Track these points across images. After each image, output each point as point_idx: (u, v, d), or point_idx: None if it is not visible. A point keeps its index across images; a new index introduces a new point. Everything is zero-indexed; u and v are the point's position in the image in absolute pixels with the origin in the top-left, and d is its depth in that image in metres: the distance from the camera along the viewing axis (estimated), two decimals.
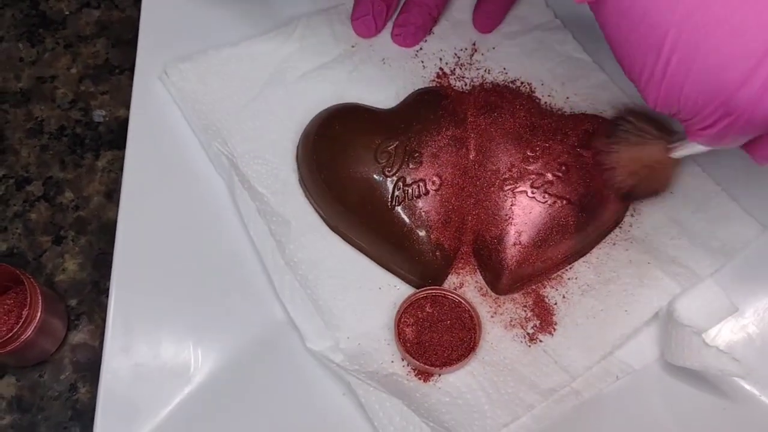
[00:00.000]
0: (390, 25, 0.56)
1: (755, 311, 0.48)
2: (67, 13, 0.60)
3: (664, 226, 0.50)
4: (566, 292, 0.48)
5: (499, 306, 0.48)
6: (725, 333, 0.47)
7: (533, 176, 0.47)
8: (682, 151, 0.44)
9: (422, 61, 0.55)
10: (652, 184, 0.48)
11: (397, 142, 0.48)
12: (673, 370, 0.46)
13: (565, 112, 0.53)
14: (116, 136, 0.56)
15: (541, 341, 0.47)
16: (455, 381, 0.46)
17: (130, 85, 0.53)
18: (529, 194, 0.47)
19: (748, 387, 0.46)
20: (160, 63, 0.53)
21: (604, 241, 0.50)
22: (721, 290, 0.48)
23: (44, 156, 0.55)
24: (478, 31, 0.56)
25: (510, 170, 0.48)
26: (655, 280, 0.47)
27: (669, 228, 0.49)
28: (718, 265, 0.48)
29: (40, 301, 0.47)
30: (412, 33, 0.54)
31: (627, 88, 0.54)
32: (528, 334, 0.47)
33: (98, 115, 0.57)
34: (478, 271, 0.49)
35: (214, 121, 0.51)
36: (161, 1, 0.56)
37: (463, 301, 0.47)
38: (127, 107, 0.53)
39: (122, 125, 0.55)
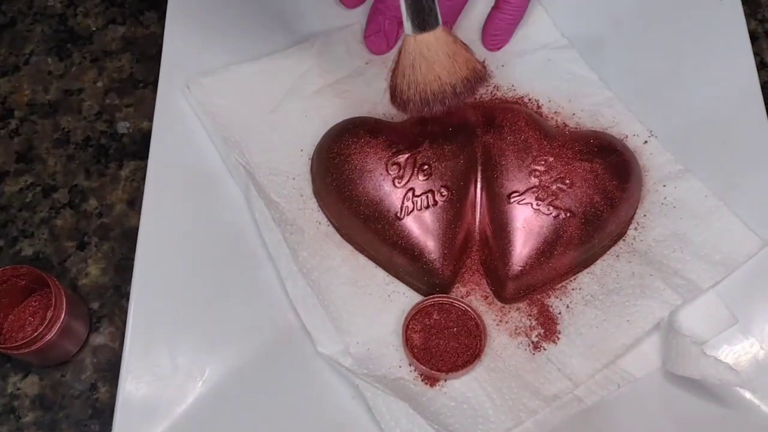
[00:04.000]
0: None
1: (756, 323, 0.49)
2: (94, 29, 0.63)
3: (666, 240, 0.51)
4: (570, 302, 0.50)
5: (505, 314, 0.49)
6: (725, 344, 0.48)
7: (538, 189, 0.49)
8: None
9: None
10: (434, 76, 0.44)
11: (407, 154, 0.50)
12: (673, 379, 0.47)
13: (571, 128, 0.54)
14: (139, 147, 0.58)
15: (545, 349, 0.48)
16: (460, 386, 0.47)
17: (154, 99, 0.55)
18: (534, 206, 0.48)
19: (747, 396, 0.46)
20: (183, 77, 0.55)
21: (607, 253, 0.51)
22: (722, 302, 0.49)
23: (70, 165, 0.57)
24: (487, 50, 0.58)
25: (516, 183, 0.49)
26: (657, 292, 0.49)
27: (671, 241, 0.51)
28: (719, 277, 0.49)
29: (64, 303, 0.49)
30: None
31: (632, 105, 0.55)
32: (532, 342, 0.49)
33: (122, 126, 0.59)
34: (484, 280, 0.50)
35: (233, 133, 0.53)
36: (184, 19, 0.58)
37: (469, 309, 0.48)
38: (150, 119, 0.55)
39: (145, 137, 0.57)
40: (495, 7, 0.56)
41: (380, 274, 0.51)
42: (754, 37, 0.59)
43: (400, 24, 0.56)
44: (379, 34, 0.56)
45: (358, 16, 0.59)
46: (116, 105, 0.60)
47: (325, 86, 0.56)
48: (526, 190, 0.49)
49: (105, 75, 0.61)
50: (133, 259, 0.51)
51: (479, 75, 0.46)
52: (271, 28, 0.58)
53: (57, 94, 0.60)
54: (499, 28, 0.56)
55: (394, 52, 0.57)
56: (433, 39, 0.43)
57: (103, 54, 0.61)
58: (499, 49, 0.57)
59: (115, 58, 0.61)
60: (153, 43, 0.61)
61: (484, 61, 0.46)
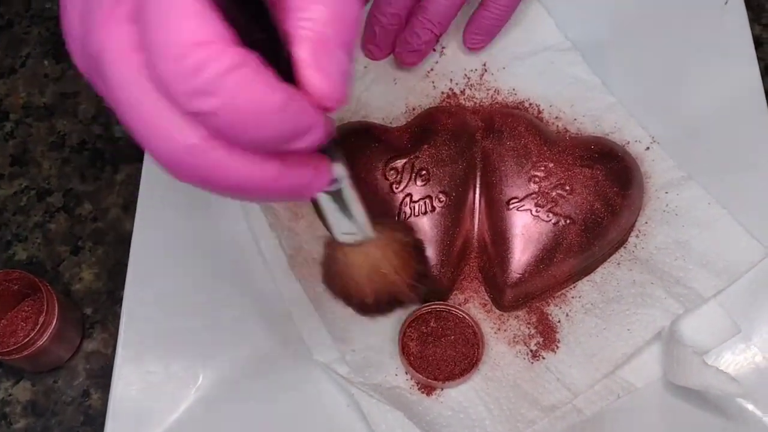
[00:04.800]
0: None
1: (758, 333, 0.48)
2: None
3: (668, 248, 0.50)
4: (570, 311, 0.49)
5: (503, 323, 0.49)
6: (728, 354, 0.48)
7: (538, 195, 0.48)
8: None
9: (433, 82, 0.56)
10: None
11: (405, 160, 0.49)
12: (674, 390, 0.46)
13: (572, 133, 0.54)
14: (135, 151, 0.57)
15: (543, 358, 0.47)
16: (457, 395, 0.46)
17: None
18: (534, 213, 0.48)
19: (749, 407, 0.46)
20: None
21: (608, 260, 0.50)
22: (724, 311, 0.48)
23: (65, 169, 0.57)
24: (467, 48, 0.56)
25: (515, 189, 0.48)
26: (658, 300, 0.48)
27: (673, 249, 0.50)
28: (722, 286, 0.48)
29: (56, 308, 0.48)
30: (414, 51, 0.54)
31: (635, 110, 0.55)
32: (531, 350, 0.48)
33: (118, 130, 0.59)
34: (482, 287, 0.50)
35: None
36: None
37: (467, 317, 0.48)
38: None
39: None
40: (481, 5, 0.54)
41: None
42: (758, 43, 0.58)
43: (396, 32, 0.55)
44: (375, 43, 0.55)
45: None
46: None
47: None
48: (526, 197, 0.48)
49: None
50: (127, 264, 0.50)
51: (397, 299, 0.40)
52: None
53: (53, 97, 0.60)
54: (481, 27, 0.55)
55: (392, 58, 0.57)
56: (362, 254, 0.38)
57: None
58: (479, 49, 0.56)
59: None
60: None
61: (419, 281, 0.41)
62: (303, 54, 0.25)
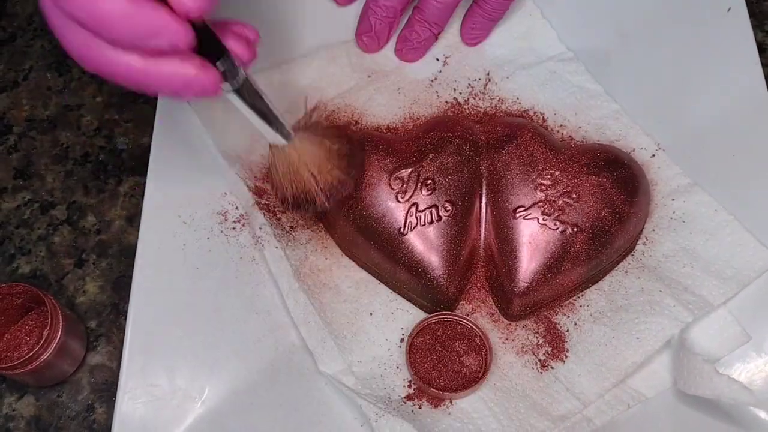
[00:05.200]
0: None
1: None
2: None
3: (676, 255, 0.50)
4: (578, 319, 0.49)
5: (511, 332, 0.48)
6: (738, 362, 0.47)
7: (545, 203, 0.48)
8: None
9: (437, 91, 0.56)
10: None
11: (410, 169, 0.49)
12: (686, 399, 0.46)
13: (577, 141, 0.54)
14: (138, 163, 0.57)
15: (552, 368, 0.47)
16: (466, 406, 0.46)
17: (153, 114, 0.55)
18: (541, 221, 0.47)
19: (762, 415, 0.45)
20: None
21: (616, 268, 0.50)
22: (734, 319, 0.48)
23: (68, 181, 0.57)
24: (466, 44, 0.58)
25: (521, 197, 0.48)
26: (667, 308, 0.47)
27: (681, 256, 0.50)
28: (731, 293, 0.48)
29: (60, 322, 0.48)
30: (414, 48, 0.56)
31: (639, 117, 0.55)
32: (540, 360, 0.47)
33: (121, 142, 0.58)
34: (489, 297, 0.49)
35: (234, 148, 0.53)
36: None
37: (474, 327, 0.47)
38: (150, 135, 0.54)
39: (144, 152, 0.56)
40: (475, 2, 0.56)
41: (383, 291, 0.50)
42: (761, 48, 0.58)
43: (391, 25, 0.56)
44: (370, 35, 0.57)
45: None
46: (115, 120, 0.59)
47: (327, 100, 0.55)
48: (532, 205, 0.48)
49: (104, 90, 0.60)
50: (131, 277, 0.50)
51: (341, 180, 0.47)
52: (271, 42, 0.57)
53: (56, 110, 0.59)
54: (476, 23, 0.57)
55: (398, 65, 0.57)
56: (283, 156, 0.46)
57: None
58: (476, 44, 0.58)
59: None
60: None
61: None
62: None
